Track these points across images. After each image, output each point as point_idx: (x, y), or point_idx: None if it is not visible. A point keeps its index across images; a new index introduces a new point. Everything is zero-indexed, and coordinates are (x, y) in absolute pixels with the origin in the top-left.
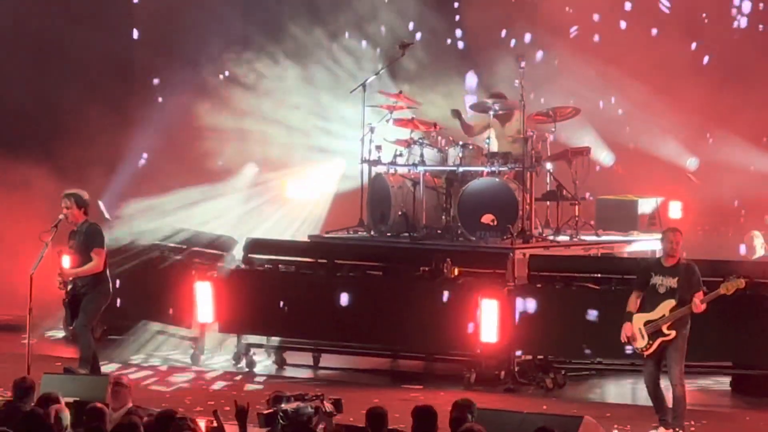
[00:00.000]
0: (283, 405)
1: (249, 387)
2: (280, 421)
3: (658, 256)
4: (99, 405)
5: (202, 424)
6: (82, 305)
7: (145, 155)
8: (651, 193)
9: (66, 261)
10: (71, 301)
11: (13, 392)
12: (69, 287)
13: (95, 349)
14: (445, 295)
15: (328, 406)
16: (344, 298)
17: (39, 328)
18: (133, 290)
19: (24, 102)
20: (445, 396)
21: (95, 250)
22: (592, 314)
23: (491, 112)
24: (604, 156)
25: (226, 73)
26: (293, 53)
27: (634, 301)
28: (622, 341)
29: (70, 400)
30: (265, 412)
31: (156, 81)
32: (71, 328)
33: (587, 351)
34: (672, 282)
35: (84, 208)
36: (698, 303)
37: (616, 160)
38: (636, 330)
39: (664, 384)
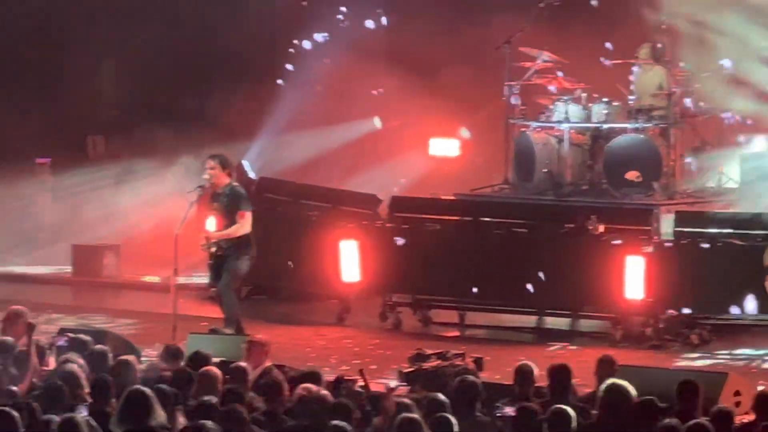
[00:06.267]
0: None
1: (394, 345)
2: None
3: None
4: (241, 365)
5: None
6: (226, 266)
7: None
8: None
9: (211, 223)
10: (215, 263)
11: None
12: (213, 249)
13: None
14: (591, 251)
15: (469, 364)
16: (490, 256)
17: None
18: (277, 249)
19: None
20: (591, 353)
21: (240, 212)
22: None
23: (635, 68)
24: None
25: None
26: None
27: None
28: None
29: (217, 360)
30: (406, 370)
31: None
32: (214, 289)
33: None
34: None
35: (228, 170)
36: None
37: None
38: None
39: None
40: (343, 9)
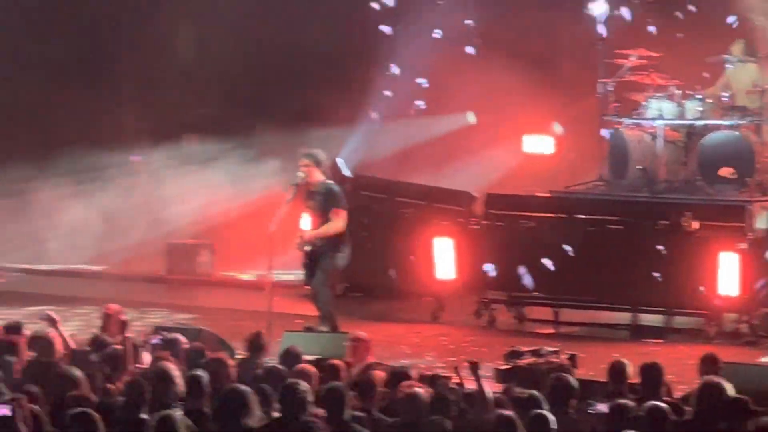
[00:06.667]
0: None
1: (489, 343)
2: None
3: None
4: (335, 362)
5: None
6: (320, 264)
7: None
8: None
9: (305, 221)
10: (309, 261)
11: (247, 349)
12: (308, 248)
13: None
14: (685, 248)
15: (564, 361)
16: (584, 253)
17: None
18: (372, 247)
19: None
20: (685, 350)
21: (334, 210)
22: None
23: (728, 66)
24: None
25: None
26: None
27: None
28: None
29: (312, 357)
30: (502, 367)
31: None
32: (309, 287)
33: None
34: None
35: (322, 168)
36: None
37: None
38: None
39: None
40: (439, 32)
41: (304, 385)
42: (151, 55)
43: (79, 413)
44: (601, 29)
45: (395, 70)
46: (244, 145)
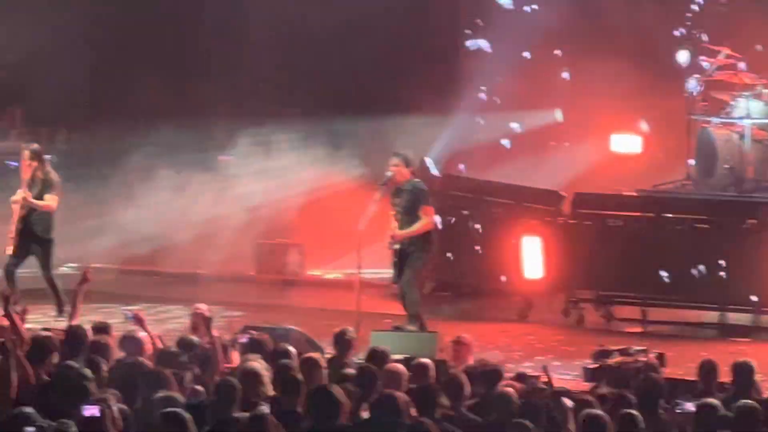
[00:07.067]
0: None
1: (577, 342)
2: None
3: None
4: (423, 362)
5: None
6: (408, 262)
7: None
8: None
9: (394, 220)
10: (397, 260)
11: (333, 346)
12: (398, 247)
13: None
14: None
15: (652, 360)
16: (672, 252)
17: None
18: (460, 246)
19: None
20: None
21: (423, 208)
22: None
23: None
24: None
25: None
26: None
27: None
28: None
29: (400, 356)
30: (590, 366)
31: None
32: (397, 285)
33: None
34: None
35: (411, 167)
36: None
37: None
38: None
39: None
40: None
41: (402, 396)
42: (240, 45)
43: (170, 413)
44: (692, 86)
45: (483, 91)
46: (330, 139)
